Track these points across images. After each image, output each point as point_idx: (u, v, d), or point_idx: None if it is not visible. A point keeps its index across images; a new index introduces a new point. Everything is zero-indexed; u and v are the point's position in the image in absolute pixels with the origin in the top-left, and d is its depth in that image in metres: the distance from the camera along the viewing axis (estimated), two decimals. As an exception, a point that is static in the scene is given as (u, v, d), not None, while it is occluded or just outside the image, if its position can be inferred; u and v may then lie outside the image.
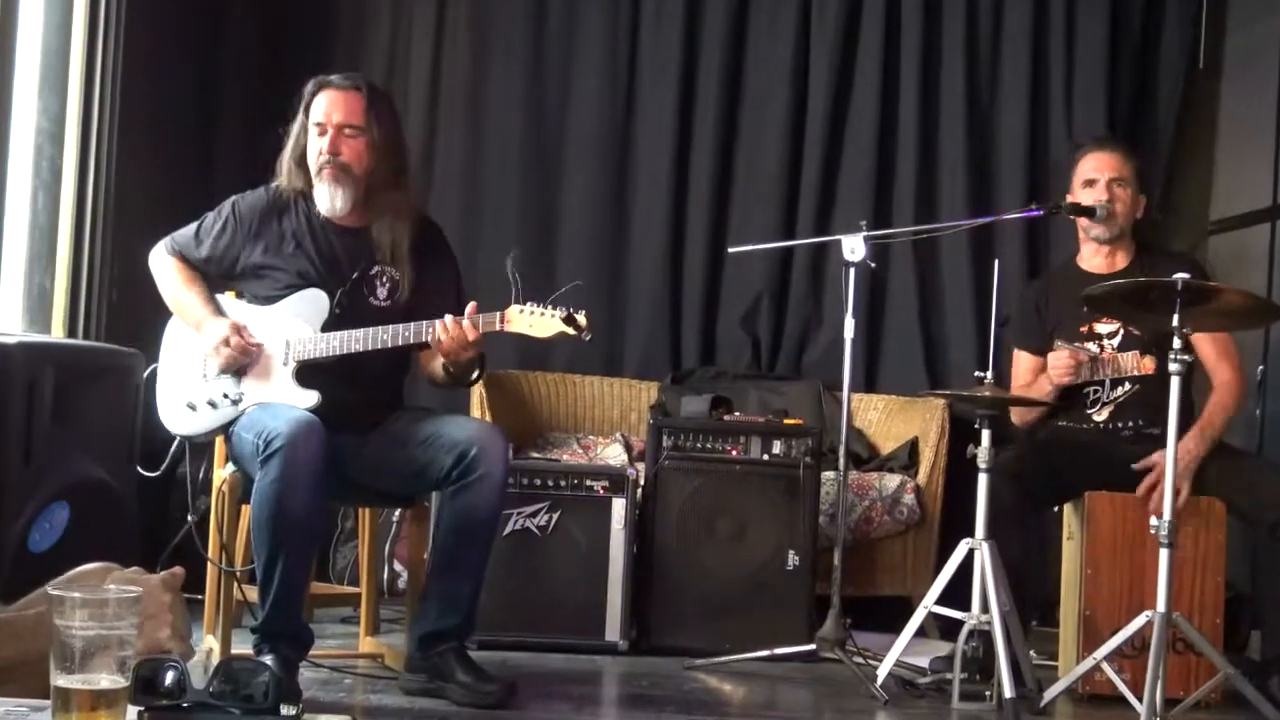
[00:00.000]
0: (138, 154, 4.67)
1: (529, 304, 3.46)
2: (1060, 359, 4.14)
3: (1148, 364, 4.15)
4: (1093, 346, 4.20)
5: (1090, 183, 4.25)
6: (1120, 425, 4.17)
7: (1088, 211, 4.19)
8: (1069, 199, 4.28)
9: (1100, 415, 4.18)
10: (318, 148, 3.66)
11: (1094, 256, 4.32)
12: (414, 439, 3.62)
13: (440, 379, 3.70)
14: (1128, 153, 4.33)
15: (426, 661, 3.56)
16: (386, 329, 3.54)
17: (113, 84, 4.47)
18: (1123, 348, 4.18)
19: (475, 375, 3.71)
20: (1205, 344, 4.13)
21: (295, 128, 3.73)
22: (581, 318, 3.45)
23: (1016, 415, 4.29)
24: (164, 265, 3.80)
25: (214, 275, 3.79)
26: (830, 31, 5.72)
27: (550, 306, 3.45)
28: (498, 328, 3.48)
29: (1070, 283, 4.24)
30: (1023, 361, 4.39)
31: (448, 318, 3.47)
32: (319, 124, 3.67)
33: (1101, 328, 4.20)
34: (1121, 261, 4.28)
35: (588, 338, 3.52)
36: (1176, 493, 3.47)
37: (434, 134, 5.78)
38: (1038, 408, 4.22)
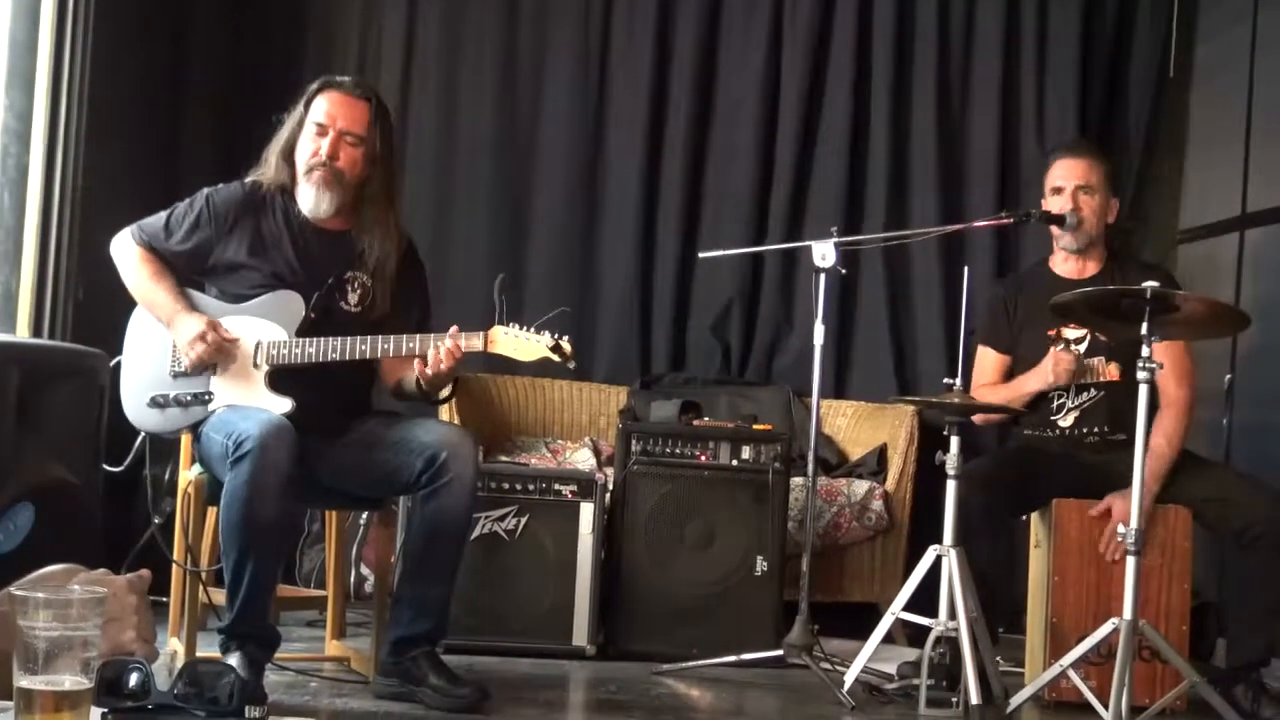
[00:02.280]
0: (105, 152, 4.63)
1: (513, 325, 3.44)
2: (1064, 359, 4.10)
3: (1112, 370, 4.16)
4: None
5: (1058, 190, 4.25)
6: (1085, 431, 4.17)
7: (1057, 220, 4.20)
8: (1043, 204, 4.29)
9: (1065, 421, 4.19)
10: (313, 147, 3.60)
11: (1065, 262, 4.32)
12: (383, 442, 3.59)
13: (410, 392, 3.63)
14: (1097, 157, 4.31)
15: (398, 666, 3.53)
16: (366, 340, 3.49)
17: (80, 81, 4.43)
18: (1089, 353, 4.18)
19: (446, 394, 3.69)
20: (1159, 358, 4.12)
21: (290, 120, 3.66)
22: (567, 344, 3.44)
23: (978, 415, 4.27)
24: (130, 255, 3.68)
25: (183, 269, 3.68)
26: (802, 39, 5.73)
27: (535, 330, 3.44)
28: (480, 348, 3.46)
29: (1040, 285, 4.25)
30: (987, 358, 4.37)
31: (434, 335, 3.44)
32: (320, 124, 3.60)
33: (1069, 333, 4.20)
34: (1092, 268, 4.28)
35: (572, 366, 3.52)
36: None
37: (404, 141, 5.73)
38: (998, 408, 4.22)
